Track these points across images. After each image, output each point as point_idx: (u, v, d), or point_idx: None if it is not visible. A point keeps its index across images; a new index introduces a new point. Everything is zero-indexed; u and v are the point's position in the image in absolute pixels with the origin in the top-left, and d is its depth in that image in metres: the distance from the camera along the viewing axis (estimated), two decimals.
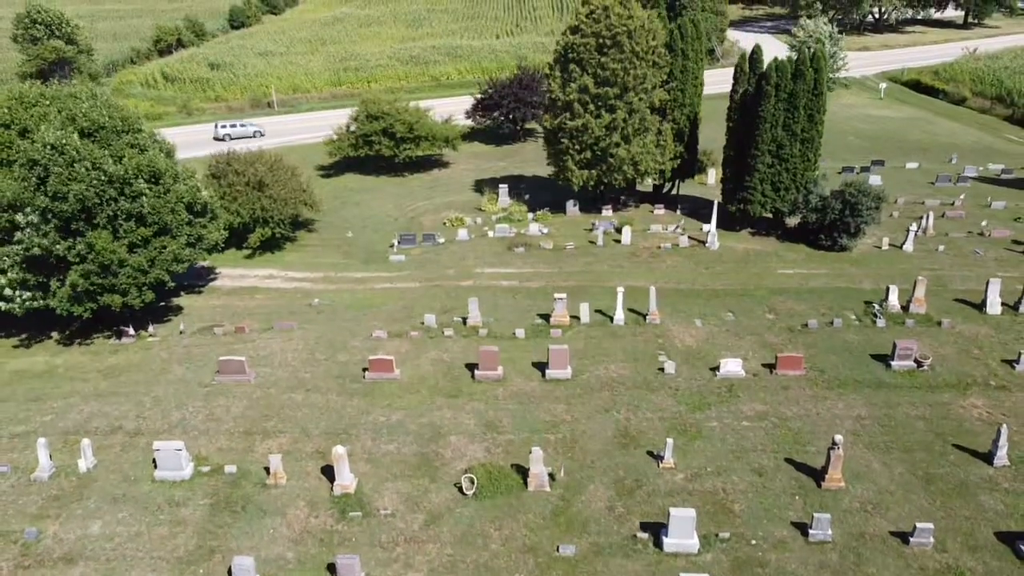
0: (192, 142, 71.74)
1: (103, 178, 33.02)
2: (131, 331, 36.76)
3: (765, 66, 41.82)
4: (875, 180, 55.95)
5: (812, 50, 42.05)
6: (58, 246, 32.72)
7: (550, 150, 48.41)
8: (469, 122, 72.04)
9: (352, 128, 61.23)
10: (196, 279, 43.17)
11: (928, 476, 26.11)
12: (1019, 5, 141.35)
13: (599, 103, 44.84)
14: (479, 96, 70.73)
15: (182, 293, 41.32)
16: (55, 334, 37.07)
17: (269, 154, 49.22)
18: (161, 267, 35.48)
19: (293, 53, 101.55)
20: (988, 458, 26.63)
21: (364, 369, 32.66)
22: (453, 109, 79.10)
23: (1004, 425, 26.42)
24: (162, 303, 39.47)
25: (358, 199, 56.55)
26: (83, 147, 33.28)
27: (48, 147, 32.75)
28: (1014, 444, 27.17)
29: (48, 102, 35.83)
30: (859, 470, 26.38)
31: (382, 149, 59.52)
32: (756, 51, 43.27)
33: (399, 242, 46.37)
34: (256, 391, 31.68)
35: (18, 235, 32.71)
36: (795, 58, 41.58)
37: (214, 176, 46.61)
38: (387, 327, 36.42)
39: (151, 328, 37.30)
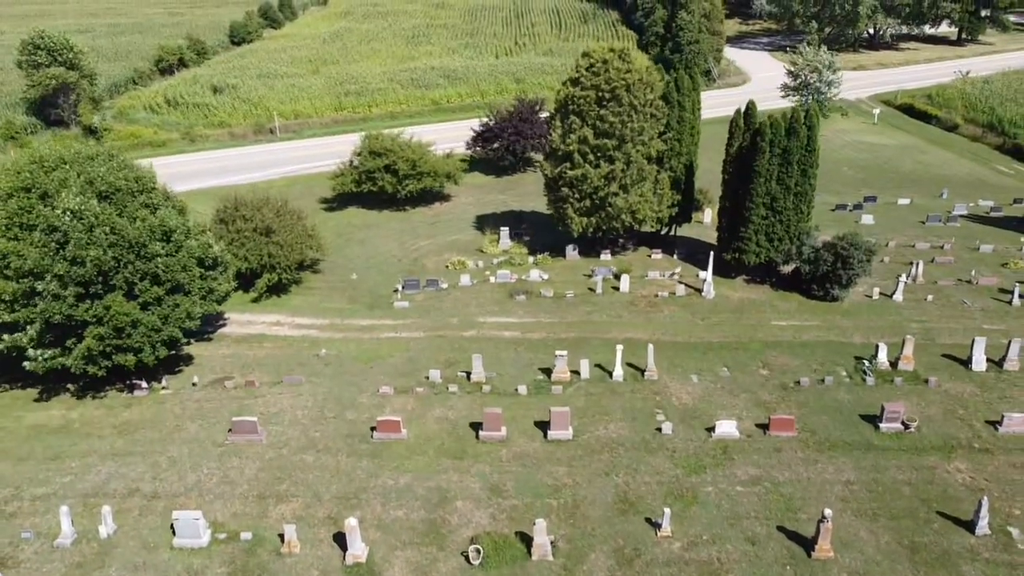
0: (196, 172, 73.12)
1: (121, 242, 34.15)
2: (144, 384, 37.89)
3: (759, 122, 42.94)
4: (867, 219, 57.48)
5: (807, 107, 43.25)
6: (75, 310, 33.83)
7: (550, 196, 49.63)
8: (469, 152, 73.20)
9: (355, 163, 62.32)
10: (206, 325, 44.14)
11: (913, 545, 27.36)
12: (1011, 21, 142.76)
13: (598, 154, 46.09)
14: (479, 128, 71.86)
15: (192, 341, 42.35)
16: (71, 386, 38.13)
17: (276, 198, 50.28)
18: (174, 324, 36.59)
19: (294, 74, 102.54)
20: (970, 527, 27.89)
21: (372, 428, 33.84)
22: (454, 135, 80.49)
23: (985, 497, 27.70)
24: (172, 351, 40.53)
25: (361, 236, 57.69)
26: (102, 211, 34.41)
27: (68, 213, 33.87)
28: (995, 511, 28.43)
29: (68, 165, 36.87)
30: (848, 539, 27.62)
31: (385, 185, 60.61)
32: (751, 106, 44.46)
33: (403, 287, 47.51)
34: (268, 451, 32.84)
35: (38, 301, 33.79)
36: (790, 115, 42.77)
37: (222, 221, 47.70)
38: (393, 382, 37.59)
39: (163, 381, 38.43)
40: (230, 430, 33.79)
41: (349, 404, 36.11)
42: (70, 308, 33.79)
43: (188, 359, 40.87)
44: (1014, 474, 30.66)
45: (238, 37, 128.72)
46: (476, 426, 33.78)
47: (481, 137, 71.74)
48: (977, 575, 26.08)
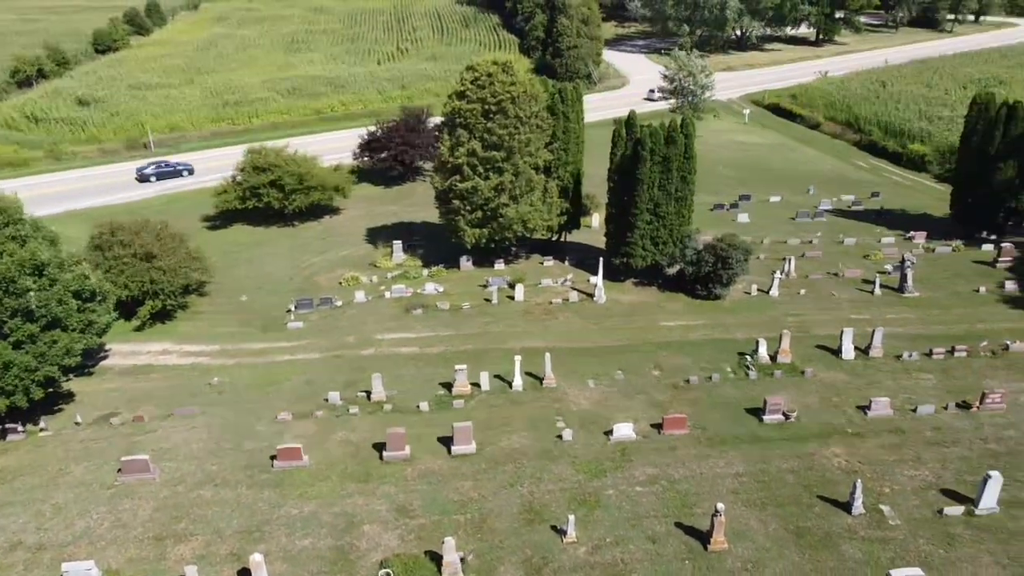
0: (66, 193, 69.18)
1: None
2: (19, 427, 35.67)
3: (640, 131, 44.69)
4: (743, 218, 60.73)
5: (682, 110, 45.32)
6: None
7: (442, 209, 49.92)
8: (357, 163, 72.44)
9: (238, 179, 60.52)
10: (86, 359, 41.75)
11: (798, 530, 29.29)
12: (863, 22, 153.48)
13: (487, 166, 46.75)
14: (366, 138, 71.20)
15: (71, 376, 40.05)
16: None
17: (156, 221, 48.28)
18: (51, 362, 34.68)
19: (168, 85, 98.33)
20: (847, 508, 30.13)
21: (272, 457, 33.16)
22: (340, 145, 79.63)
23: (859, 479, 30.02)
24: (51, 389, 38.34)
25: (249, 255, 56.16)
26: None
27: None
28: (869, 491, 30.80)
29: None
30: (740, 529, 29.27)
31: (271, 201, 59.21)
32: (631, 116, 46.21)
33: (296, 307, 46.66)
34: (163, 490, 31.62)
35: None
36: (667, 124, 44.72)
37: (97, 248, 45.43)
38: (292, 407, 36.94)
39: (41, 422, 36.31)
40: (120, 470, 32.31)
41: (247, 433, 35.22)
42: None
43: (68, 396, 38.76)
44: (883, 455, 33.27)
45: (103, 45, 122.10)
46: (380, 447, 33.68)
47: (368, 147, 71.12)
48: (855, 552, 28.20)
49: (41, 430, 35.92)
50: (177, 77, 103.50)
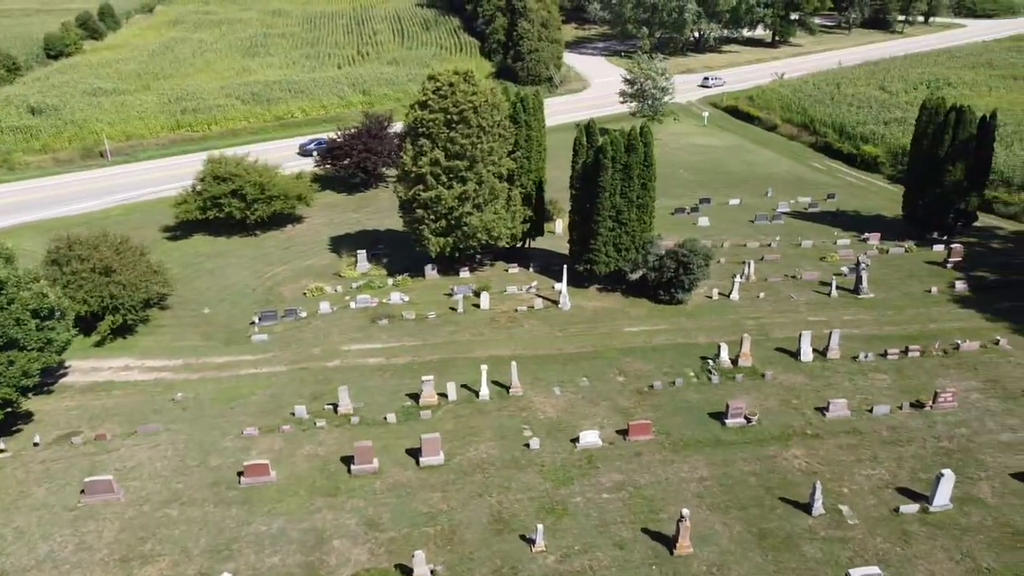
0: (19, 204, 67.86)
1: None
2: None
3: (600, 140, 45.26)
4: (704, 221, 61.72)
5: (644, 113, 46.01)
6: None
7: (406, 218, 49.95)
8: (318, 170, 72.08)
9: (198, 189, 59.80)
10: (45, 376, 41.00)
11: (761, 532, 30.02)
12: (817, 24, 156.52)
13: (450, 175, 46.92)
14: (327, 145, 70.83)
15: (30, 395, 39.33)
16: None
17: (114, 234, 47.57)
18: (8, 384, 34.08)
19: (123, 91, 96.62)
20: (808, 508, 30.95)
21: (239, 473, 32.99)
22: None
23: (818, 480, 30.87)
24: (8, 409, 37.61)
25: (211, 266, 55.57)
26: None
27: None
28: (828, 492, 31.66)
29: None
30: (704, 533, 29.90)
31: (233, 211, 58.60)
32: (591, 124, 46.76)
33: (260, 319, 46.32)
34: (128, 510, 31.29)
35: None
36: (628, 131, 45.34)
37: (55, 263, 44.65)
38: (258, 422, 36.76)
39: (0, 443, 35.64)
40: (83, 491, 31.89)
41: (212, 450, 34.97)
42: None
43: (26, 416, 38.03)
44: (841, 455, 34.22)
45: (55, 50, 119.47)
46: (348, 460, 33.72)
47: (330, 154, 70.77)
48: (816, 553, 29.01)
49: (1, 451, 35.24)
50: (132, 83, 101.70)
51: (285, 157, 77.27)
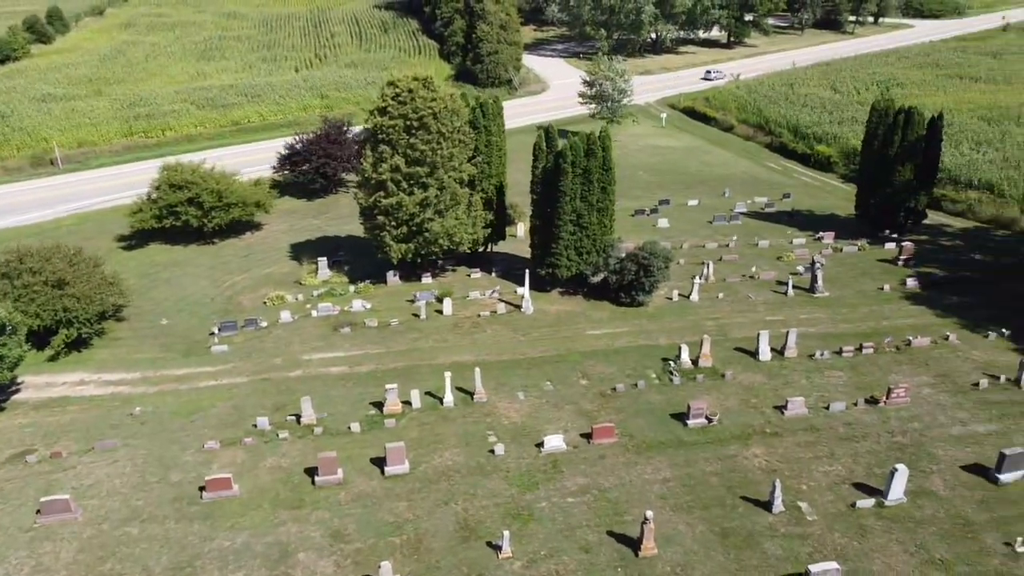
0: None
1: None
2: None
3: (560, 145, 45.60)
4: (663, 223, 62.46)
5: (601, 129, 46.50)
6: None
7: (367, 224, 49.71)
8: (277, 176, 71.37)
9: (154, 197, 58.80)
10: None
11: (724, 531, 30.53)
12: (771, 24, 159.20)
13: (411, 181, 46.85)
14: (286, 151, 70.20)
15: None
16: None
17: (67, 246, 46.59)
18: None
19: (74, 96, 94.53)
20: (768, 506, 31.55)
21: (201, 488, 32.56)
22: (259, 157, 78.51)
23: (778, 478, 31.51)
24: None
25: (168, 275, 54.69)
26: None
27: None
28: (788, 489, 32.32)
29: None
30: (668, 534, 30.31)
31: (190, 219, 57.76)
32: (550, 130, 47.08)
33: (220, 329, 45.74)
34: (86, 529, 30.69)
35: None
36: (587, 135, 45.74)
37: (5, 276, 43.58)
38: (219, 435, 36.31)
39: None
40: (39, 511, 31.19)
41: (173, 464, 34.46)
42: None
43: None
44: (800, 453, 34.93)
45: (1, 55, 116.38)
46: (312, 471, 33.46)
47: (289, 160, 70.12)
48: (777, 550, 29.59)
49: None
50: (83, 88, 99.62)
51: (244, 163, 76.39)
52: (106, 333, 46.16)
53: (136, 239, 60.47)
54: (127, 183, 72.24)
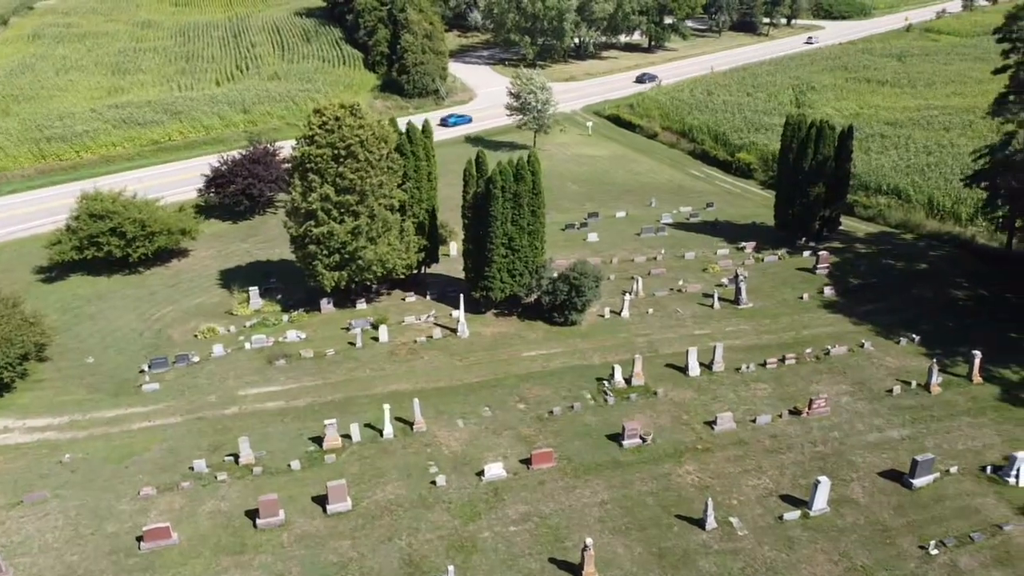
0: None
1: None
2: None
3: (490, 171, 46.26)
4: (593, 237, 63.83)
5: (530, 154, 47.37)
6: None
7: (299, 253, 49.33)
8: (202, 198, 69.96)
9: (73, 227, 56.90)
10: None
11: (661, 551, 31.74)
12: (689, 28, 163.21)
13: (341, 209, 46.74)
14: (210, 173, 68.83)
15: None
16: None
17: None
18: None
19: None
20: (702, 524, 32.90)
21: (139, 538, 32.04)
22: (182, 177, 76.93)
23: (710, 496, 32.93)
24: None
25: (92, 310, 53.09)
26: None
27: None
28: (719, 505, 33.78)
29: None
30: (608, 557, 31.33)
31: (112, 249, 56.07)
32: (480, 155, 47.66)
33: (150, 367, 44.77)
34: None
35: None
36: (515, 160, 46.50)
37: None
38: (155, 480, 35.72)
39: None
40: None
41: (107, 515, 33.76)
42: None
43: None
44: (729, 467, 36.51)
45: None
46: (253, 513, 33.31)
47: (214, 183, 68.76)
48: (711, 567, 30.96)
49: None
50: None
51: (166, 183, 74.67)
52: (28, 375, 44.68)
53: (56, 270, 58.41)
54: (43, 209, 69.71)
